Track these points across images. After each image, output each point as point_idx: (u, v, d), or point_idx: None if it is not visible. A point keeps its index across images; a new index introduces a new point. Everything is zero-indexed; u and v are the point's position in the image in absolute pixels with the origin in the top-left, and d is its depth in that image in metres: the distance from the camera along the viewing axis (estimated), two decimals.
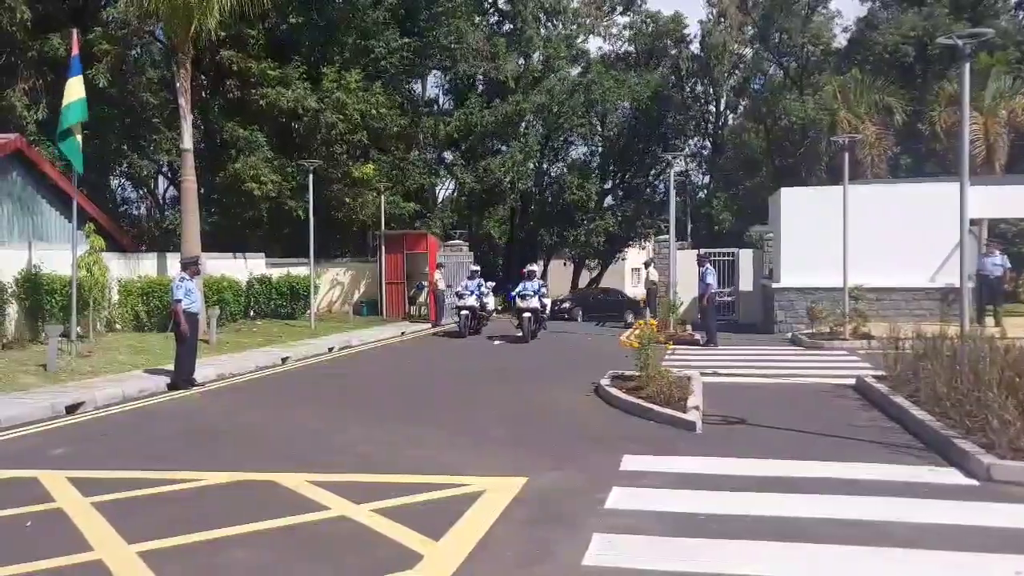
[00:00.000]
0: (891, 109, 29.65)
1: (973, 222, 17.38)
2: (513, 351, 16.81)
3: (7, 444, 8.00)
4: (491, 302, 21.12)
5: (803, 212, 18.92)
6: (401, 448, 7.65)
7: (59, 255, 14.44)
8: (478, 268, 22.14)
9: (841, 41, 40.55)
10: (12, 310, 14.01)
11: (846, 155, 17.21)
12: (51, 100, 19.64)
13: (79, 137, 13.40)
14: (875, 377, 10.34)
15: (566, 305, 27.27)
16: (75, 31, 13.97)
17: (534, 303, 18.30)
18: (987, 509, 5.52)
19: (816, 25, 40.22)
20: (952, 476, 6.34)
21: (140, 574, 4.52)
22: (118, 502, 5.89)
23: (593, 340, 19.28)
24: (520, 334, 18.36)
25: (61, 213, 16.52)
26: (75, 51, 13.50)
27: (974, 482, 6.15)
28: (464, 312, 19.73)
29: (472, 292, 19.99)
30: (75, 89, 13.22)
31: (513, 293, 19.50)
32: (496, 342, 18.33)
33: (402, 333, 20.21)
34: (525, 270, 19.55)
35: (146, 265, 17.87)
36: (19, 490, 6.25)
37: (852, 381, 10.92)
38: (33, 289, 14.26)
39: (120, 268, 16.83)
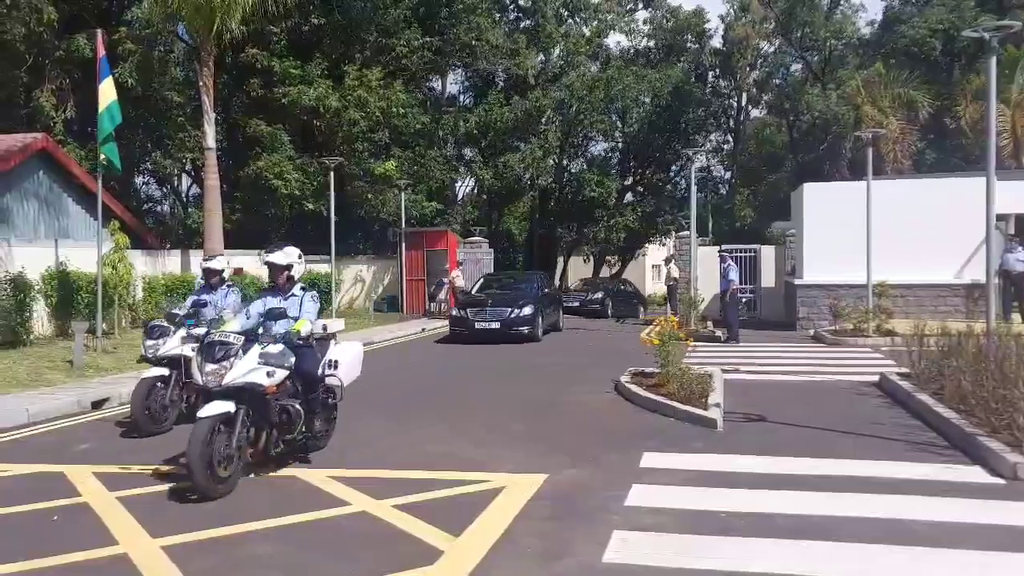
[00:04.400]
0: (916, 103, 29.25)
1: (1000, 217, 17.09)
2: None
3: (34, 439, 8.13)
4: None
5: (826, 208, 18.69)
6: (421, 444, 7.68)
7: (84, 253, 14.65)
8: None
9: (865, 35, 40.07)
10: (39, 307, 14.21)
11: (870, 150, 17.01)
12: (78, 99, 19.94)
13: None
14: (899, 374, 10.22)
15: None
16: (100, 32, 14.04)
17: (248, 372, 6.07)
18: (1013, 508, 5.44)
19: (839, 19, 39.74)
20: (977, 475, 6.26)
21: (164, 568, 4.57)
22: (142, 496, 5.97)
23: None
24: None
25: (86, 211, 16.74)
26: (102, 52, 13.37)
27: (999, 481, 6.07)
28: (148, 377, 8.18)
29: (176, 328, 8.46)
30: (108, 93, 13.10)
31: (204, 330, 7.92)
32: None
33: (422, 329, 20.27)
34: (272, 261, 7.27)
35: (170, 262, 18.09)
36: (46, 484, 6.35)
37: (875, 378, 10.79)
38: (59, 286, 14.47)
39: (144, 265, 17.04)
